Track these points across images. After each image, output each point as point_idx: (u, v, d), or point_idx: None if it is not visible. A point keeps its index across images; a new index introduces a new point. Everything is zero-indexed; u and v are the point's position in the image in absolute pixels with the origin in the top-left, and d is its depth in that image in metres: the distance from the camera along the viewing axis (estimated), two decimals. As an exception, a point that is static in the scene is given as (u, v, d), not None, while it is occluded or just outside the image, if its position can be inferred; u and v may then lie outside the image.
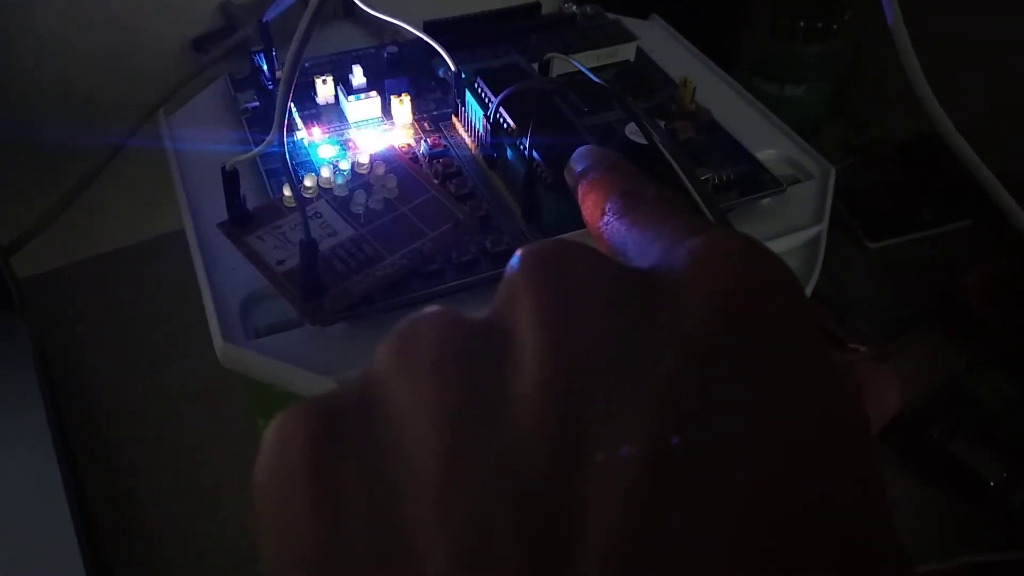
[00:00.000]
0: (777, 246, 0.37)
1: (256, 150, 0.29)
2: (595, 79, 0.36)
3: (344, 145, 0.37)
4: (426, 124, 0.40)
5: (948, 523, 0.43)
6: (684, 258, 0.15)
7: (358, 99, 0.39)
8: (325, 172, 0.34)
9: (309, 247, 0.28)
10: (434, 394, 0.13)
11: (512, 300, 0.14)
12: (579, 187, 0.23)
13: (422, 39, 0.39)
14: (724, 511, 0.12)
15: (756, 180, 0.38)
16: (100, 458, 0.45)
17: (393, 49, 0.42)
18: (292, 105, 0.39)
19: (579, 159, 0.24)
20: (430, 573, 0.12)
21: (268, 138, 0.27)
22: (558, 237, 0.16)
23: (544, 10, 0.47)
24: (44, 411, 0.43)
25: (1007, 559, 0.40)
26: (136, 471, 0.45)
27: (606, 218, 0.20)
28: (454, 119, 0.40)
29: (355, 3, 0.45)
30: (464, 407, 0.13)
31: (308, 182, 0.33)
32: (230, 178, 0.29)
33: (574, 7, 0.47)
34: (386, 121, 0.39)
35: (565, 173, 0.25)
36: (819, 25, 0.59)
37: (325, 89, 0.40)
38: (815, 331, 0.14)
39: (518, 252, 0.15)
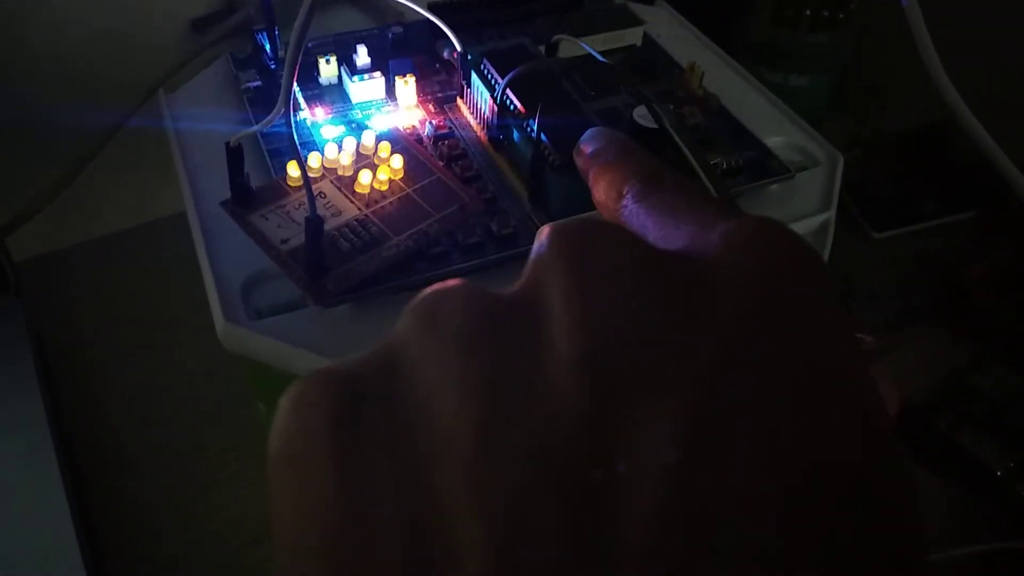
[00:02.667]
0: (786, 232, 0.36)
1: (261, 124, 0.28)
2: (603, 60, 0.35)
3: (348, 125, 0.37)
4: (431, 106, 0.39)
5: (955, 513, 0.43)
6: (717, 243, 0.14)
7: (362, 79, 0.38)
8: (330, 152, 0.33)
9: (315, 224, 0.28)
10: (462, 363, 0.13)
11: (541, 278, 0.14)
12: (591, 169, 0.22)
13: (427, 20, 0.39)
14: (759, 492, 0.11)
15: (764, 166, 0.37)
16: (96, 441, 0.45)
17: (398, 29, 0.41)
18: (296, 84, 0.39)
19: (590, 140, 0.24)
20: (464, 543, 0.11)
21: (273, 112, 0.27)
22: (585, 217, 0.15)
23: (550, -7, 0.46)
24: (40, 394, 0.42)
25: (1015, 548, 0.40)
26: (132, 455, 0.45)
27: (625, 201, 0.19)
28: (459, 101, 0.39)
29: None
30: (494, 378, 0.12)
31: (312, 162, 0.33)
32: (234, 154, 0.29)
33: (580, -10, 0.47)
34: (390, 102, 0.39)
35: (575, 154, 0.24)
36: (824, 14, 0.58)
37: (328, 69, 0.39)
38: (844, 315, 0.14)
39: (546, 231, 0.15)
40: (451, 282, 0.14)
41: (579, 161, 0.24)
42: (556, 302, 0.13)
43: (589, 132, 0.24)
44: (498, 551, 0.11)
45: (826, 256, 0.37)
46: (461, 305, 0.14)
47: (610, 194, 0.20)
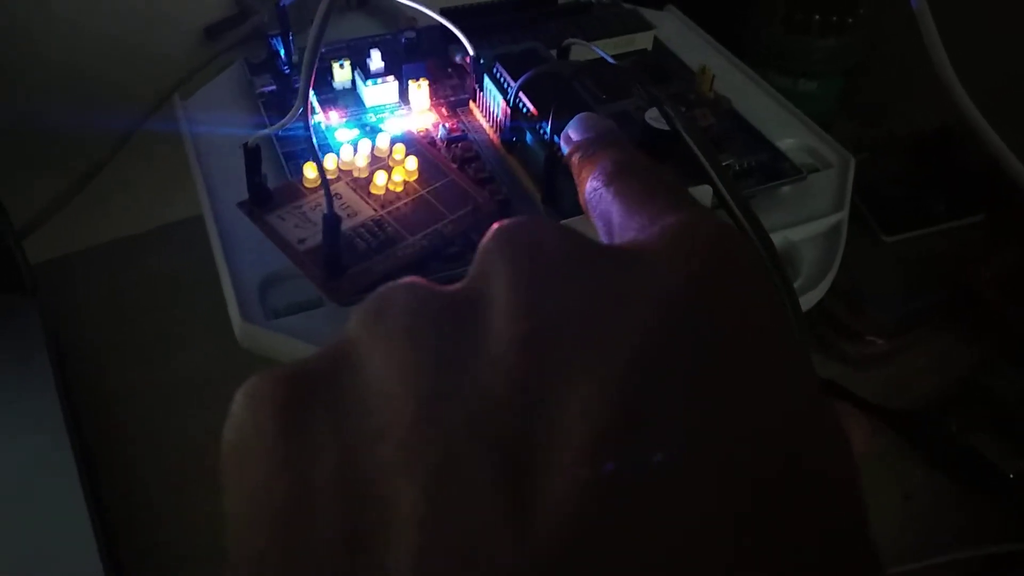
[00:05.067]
0: (798, 233, 0.36)
1: (277, 125, 0.29)
2: (614, 62, 0.36)
3: (362, 129, 0.37)
4: (444, 109, 0.40)
5: (966, 515, 0.43)
6: (657, 236, 0.15)
7: (376, 84, 0.39)
8: (345, 154, 0.34)
9: (332, 221, 0.28)
10: (406, 353, 0.13)
11: (484, 270, 0.15)
12: (573, 158, 0.22)
13: (440, 25, 0.39)
14: (680, 470, 0.12)
15: (776, 168, 0.38)
16: (110, 441, 0.45)
17: (411, 34, 0.42)
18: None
19: (576, 128, 0.24)
20: (397, 508, 0.12)
21: (290, 113, 0.27)
22: (527, 216, 0.16)
23: (561, -2, 0.47)
24: (56, 393, 0.42)
25: (1026, 550, 0.40)
26: (146, 455, 0.45)
27: (592, 183, 0.20)
28: (471, 104, 0.40)
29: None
30: (436, 362, 0.13)
31: (328, 163, 0.33)
32: (252, 155, 0.29)
33: (591, -4, 0.47)
34: (403, 106, 0.39)
35: (561, 140, 0.24)
36: (834, 19, 0.58)
37: (342, 73, 0.40)
38: (777, 317, 0.14)
39: (491, 229, 0.15)
40: (401, 280, 0.15)
41: (564, 147, 0.24)
42: (499, 290, 0.14)
43: (576, 119, 0.24)
44: (428, 509, 0.11)
45: (838, 257, 0.37)
46: (406, 300, 0.14)
47: (587, 180, 0.21)
